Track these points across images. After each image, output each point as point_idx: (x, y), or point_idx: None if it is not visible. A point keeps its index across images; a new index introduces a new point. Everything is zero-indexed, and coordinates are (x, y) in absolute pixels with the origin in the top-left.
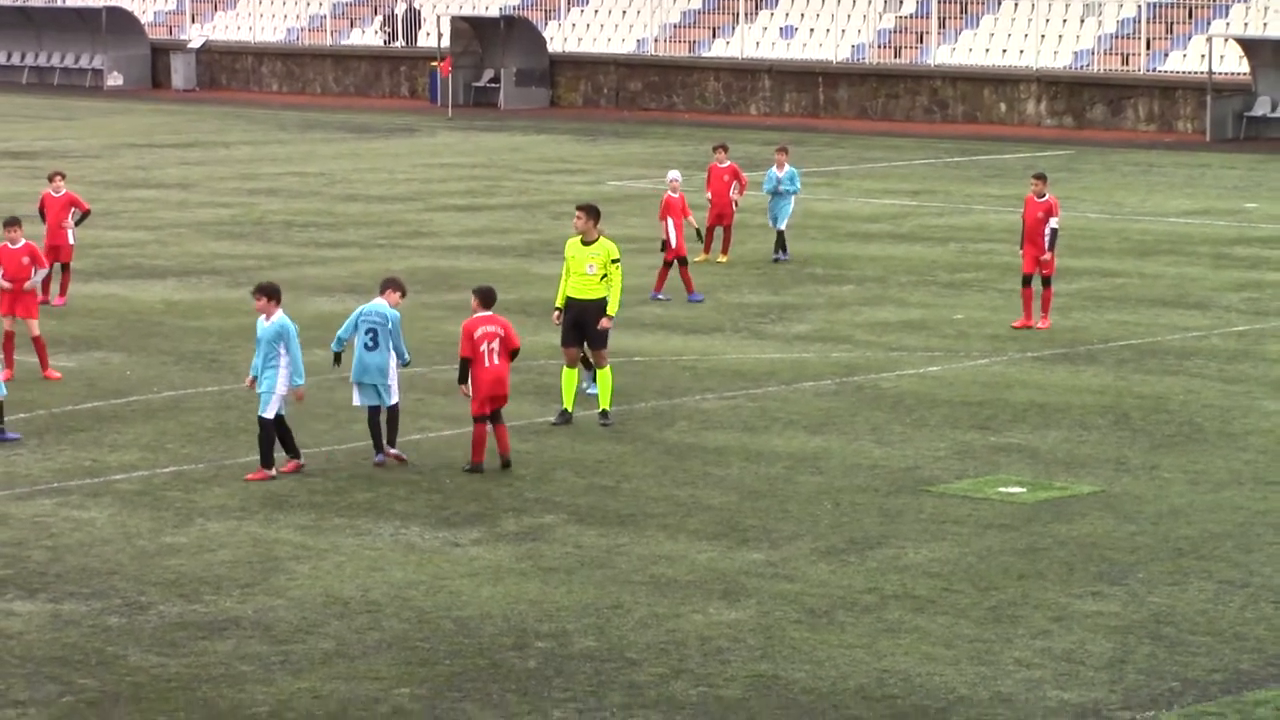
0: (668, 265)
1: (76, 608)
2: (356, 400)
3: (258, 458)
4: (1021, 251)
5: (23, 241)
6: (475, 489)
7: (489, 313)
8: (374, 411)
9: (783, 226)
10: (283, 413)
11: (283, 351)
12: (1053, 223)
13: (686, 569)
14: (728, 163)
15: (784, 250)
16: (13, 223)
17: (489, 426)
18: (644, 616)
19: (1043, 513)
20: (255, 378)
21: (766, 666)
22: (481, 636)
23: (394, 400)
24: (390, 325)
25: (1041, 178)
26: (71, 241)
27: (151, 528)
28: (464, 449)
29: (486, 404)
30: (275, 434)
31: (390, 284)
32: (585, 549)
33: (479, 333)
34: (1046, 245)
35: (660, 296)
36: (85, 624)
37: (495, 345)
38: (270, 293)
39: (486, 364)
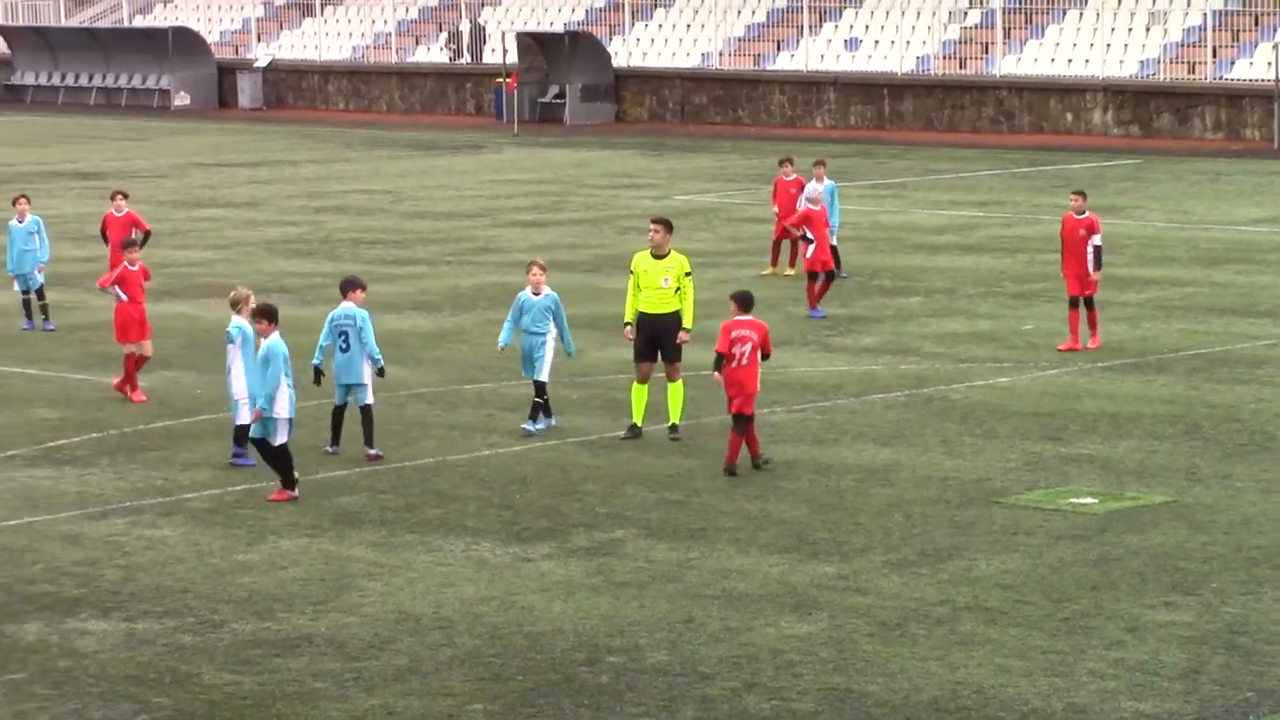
0: (813, 278)
1: (150, 626)
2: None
3: (327, 475)
4: (1064, 272)
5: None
6: (546, 504)
7: (748, 317)
8: (340, 409)
9: (835, 242)
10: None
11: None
12: (1095, 240)
13: (758, 582)
14: (794, 176)
15: (840, 266)
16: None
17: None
18: (716, 630)
19: (1115, 523)
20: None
21: (839, 680)
22: (553, 652)
23: (368, 400)
24: (358, 324)
25: (1081, 194)
26: None
27: (224, 546)
28: (532, 465)
29: (735, 404)
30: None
31: (351, 284)
32: (656, 563)
33: (735, 334)
34: (1092, 265)
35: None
36: (159, 642)
37: (747, 349)
38: (271, 314)
39: (734, 365)
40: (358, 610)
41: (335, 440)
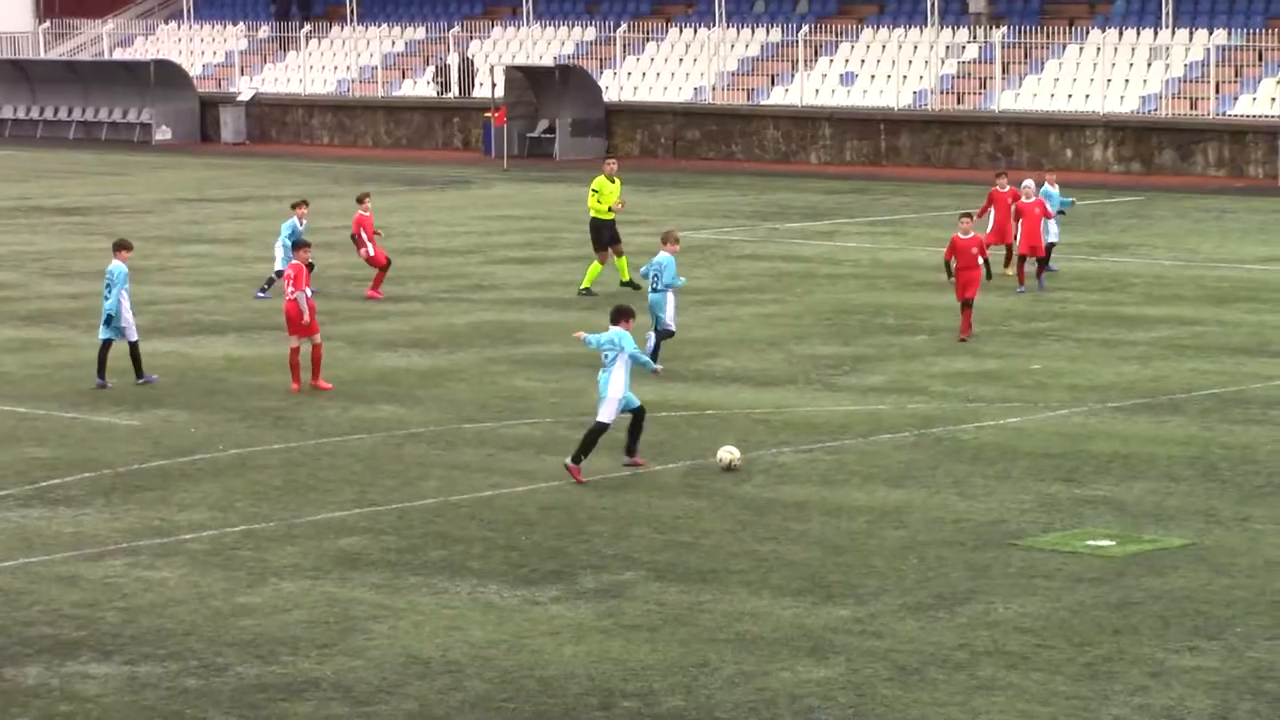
0: (1022, 259)
1: (153, 670)
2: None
3: (327, 516)
4: (958, 277)
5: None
6: (552, 546)
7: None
8: (107, 344)
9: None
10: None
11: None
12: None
13: (772, 626)
14: (1008, 187)
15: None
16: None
17: None
18: (731, 675)
19: (1134, 566)
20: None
21: None
22: (566, 696)
23: (134, 337)
24: (112, 278)
25: (969, 215)
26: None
27: (224, 588)
28: (537, 505)
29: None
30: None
31: (119, 244)
32: (667, 606)
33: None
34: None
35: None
36: (162, 686)
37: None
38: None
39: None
40: (364, 654)
41: (101, 374)
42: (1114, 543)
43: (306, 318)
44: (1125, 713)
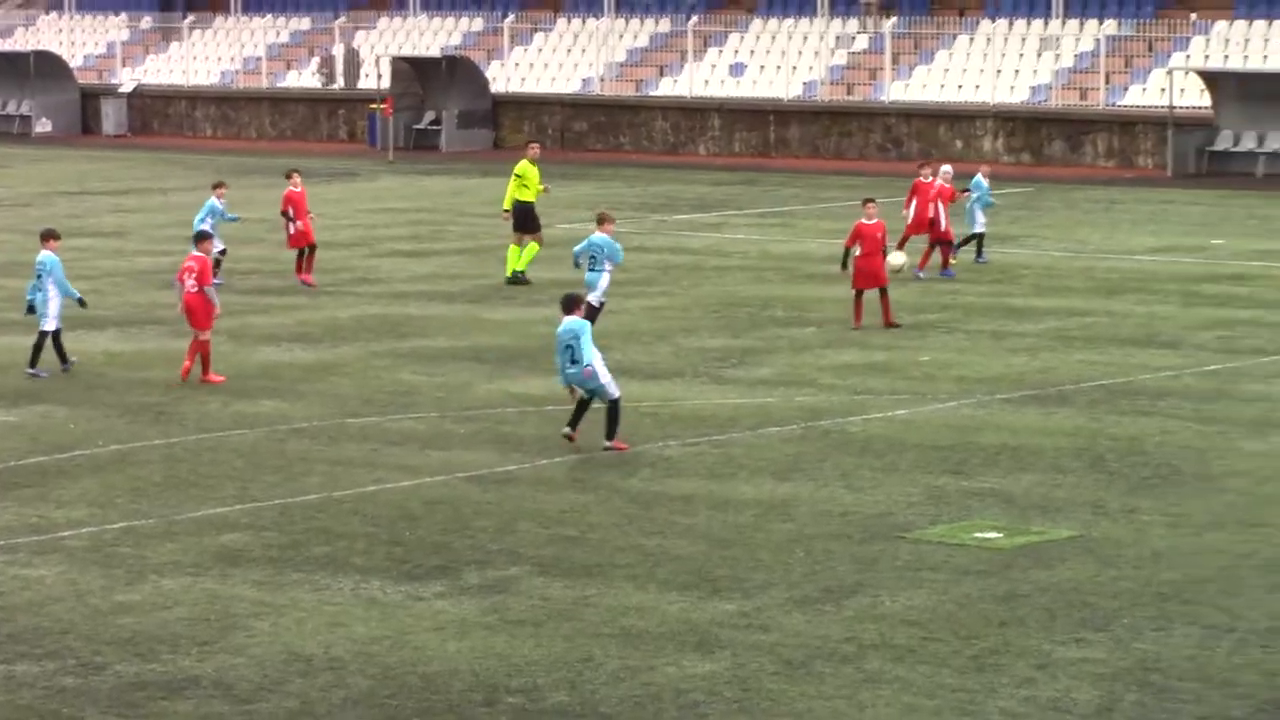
0: (932, 245)
1: (29, 669)
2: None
3: (208, 513)
4: (858, 265)
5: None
6: (435, 541)
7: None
8: (56, 334)
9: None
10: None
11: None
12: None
13: (657, 620)
14: (930, 178)
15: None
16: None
17: None
18: (616, 670)
19: (1021, 558)
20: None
21: None
22: (450, 693)
23: (50, 328)
24: (44, 268)
25: (873, 200)
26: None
27: (103, 585)
28: (420, 501)
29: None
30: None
31: (47, 234)
32: (552, 601)
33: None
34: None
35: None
36: (39, 685)
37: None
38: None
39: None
40: (245, 651)
41: (64, 358)
42: (1001, 535)
43: (219, 311)
44: (1012, 705)
